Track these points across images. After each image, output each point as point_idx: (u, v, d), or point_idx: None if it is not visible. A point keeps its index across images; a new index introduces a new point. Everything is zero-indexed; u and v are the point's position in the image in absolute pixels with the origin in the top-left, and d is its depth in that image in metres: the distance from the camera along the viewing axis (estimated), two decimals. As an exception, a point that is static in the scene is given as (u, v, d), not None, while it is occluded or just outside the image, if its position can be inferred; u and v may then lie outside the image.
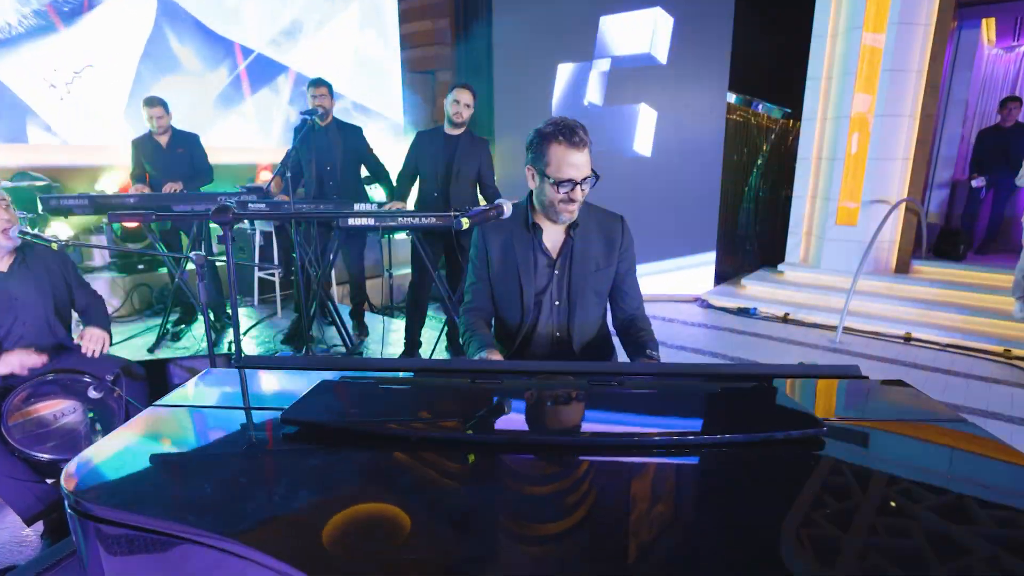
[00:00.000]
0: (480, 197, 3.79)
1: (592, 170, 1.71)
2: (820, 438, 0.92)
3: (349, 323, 4.42)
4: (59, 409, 2.34)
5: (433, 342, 3.72)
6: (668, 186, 5.97)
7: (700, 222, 6.16)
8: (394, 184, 3.87)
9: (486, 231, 1.85)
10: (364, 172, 4.32)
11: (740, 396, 1.08)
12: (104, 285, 4.76)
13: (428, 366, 1.34)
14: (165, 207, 4.01)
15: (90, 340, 2.32)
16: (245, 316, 4.92)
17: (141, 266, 4.97)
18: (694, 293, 6.25)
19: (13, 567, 1.95)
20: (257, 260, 5.11)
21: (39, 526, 2.05)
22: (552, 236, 1.84)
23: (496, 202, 1.60)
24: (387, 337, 4.18)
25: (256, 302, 5.26)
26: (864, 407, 1.10)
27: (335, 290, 5.32)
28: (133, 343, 4.18)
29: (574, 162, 1.65)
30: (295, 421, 0.97)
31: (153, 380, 2.72)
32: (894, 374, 4.32)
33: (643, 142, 5.98)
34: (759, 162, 7.79)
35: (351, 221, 3.11)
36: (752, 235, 7.93)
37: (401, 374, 1.33)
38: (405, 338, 3.76)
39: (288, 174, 3.57)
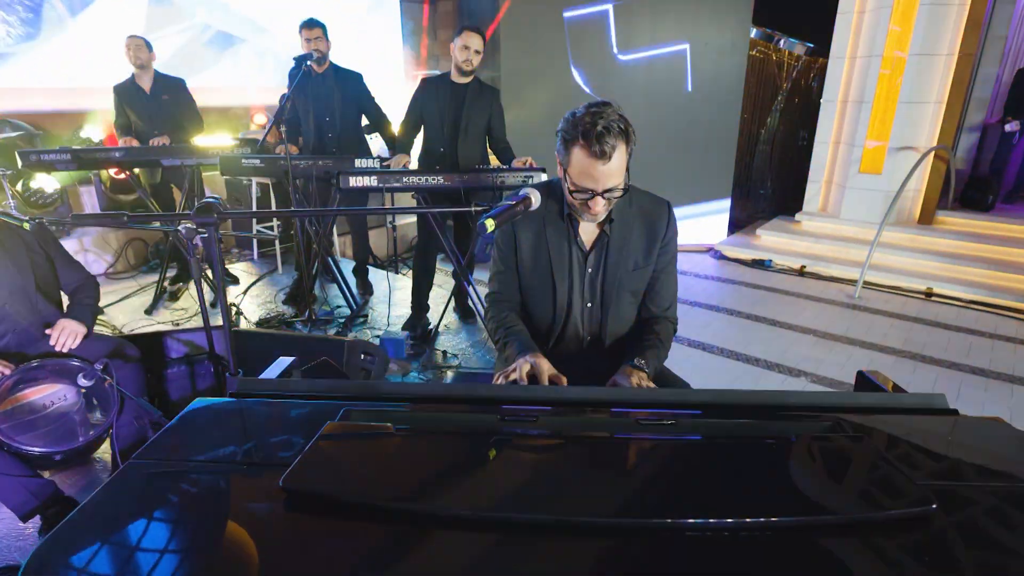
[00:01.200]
0: (490, 152, 3.53)
1: (625, 178, 1.46)
2: (928, 515, 0.77)
3: (352, 280, 4.26)
4: (50, 394, 2.21)
5: (442, 305, 3.56)
6: (685, 127, 5.61)
7: (716, 166, 5.83)
8: (396, 135, 3.59)
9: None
10: (364, 121, 4.04)
11: (816, 448, 0.92)
12: (93, 240, 4.57)
13: (448, 394, 1.18)
14: (152, 161, 3.76)
15: (61, 332, 2.12)
16: (244, 272, 4.75)
17: (133, 219, 4.74)
18: (707, 243, 6.04)
19: (16, 566, 1.88)
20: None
21: (37, 520, 1.97)
22: (588, 228, 1.60)
23: (522, 193, 1.38)
24: (393, 296, 4.03)
25: (256, 256, 5.08)
26: (963, 463, 0.94)
27: (336, 241, 5.13)
28: (130, 303, 4.04)
29: (594, 173, 1.39)
30: (298, 491, 0.82)
31: (149, 355, 2.58)
32: (915, 333, 4.20)
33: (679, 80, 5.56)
34: (778, 101, 7.38)
35: (352, 183, 2.88)
36: (768, 180, 7.63)
37: (416, 396, 1.18)
38: (412, 301, 3.61)
39: (283, 127, 3.31)
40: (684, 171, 5.68)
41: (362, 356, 2.83)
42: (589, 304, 1.66)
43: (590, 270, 1.63)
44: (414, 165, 3.42)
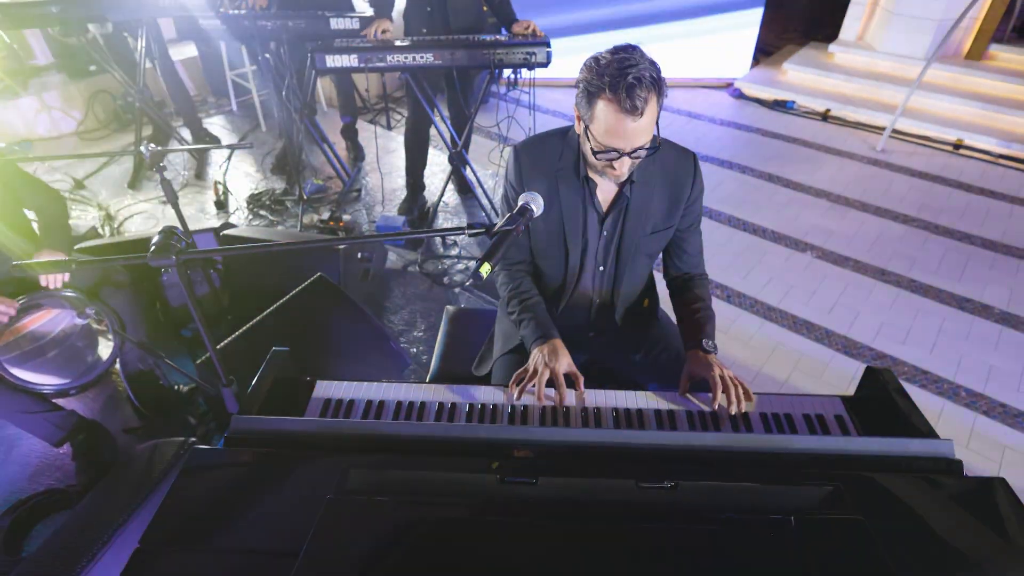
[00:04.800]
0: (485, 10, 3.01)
1: (655, 136, 1.26)
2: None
3: (343, 144, 3.99)
4: (51, 319, 2.20)
5: (439, 187, 3.37)
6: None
7: None
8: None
9: (525, 165, 1.45)
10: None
11: (812, 535, 0.93)
12: (56, 95, 4.17)
13: (455, 436, 1.16)
14: (96, 14, 3.25)
15: None
16: (223, 128, 4.41)
17: (93, 67, 4.27)
18: (727, 76, 5.49)
19: (55, 489, 2.04)
20: (226, 56, 4.36)
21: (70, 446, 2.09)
22: (606, 187, 1.44)
23: (522, 202, 1.18)
24: (386, 160, 3.80)
25: (235, 106, 4.67)
26: (955, 550, 0.95)
27: (320, 88, 4.67)
28: (110, 175, 3.82)
29: (623, 131, 1.20)
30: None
31: (139, 272, 2.50)
32: (934, 195, 4.03)
33: None
34: None
35: (330, 63, 2.51)
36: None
37: (420, 442, 1.15)
38: (407, 180, 3.38)
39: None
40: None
41: (359, 256, 2.77)
42: (601, 267, 1.56)
43: (605, 233, 1.50)
44: (398, 30, 2.95)
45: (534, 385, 1.33)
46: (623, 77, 1.16)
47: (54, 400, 2.07)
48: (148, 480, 1.71)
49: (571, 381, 1.38)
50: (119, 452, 2.17)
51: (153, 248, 1.04)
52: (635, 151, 1.25)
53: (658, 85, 1.20)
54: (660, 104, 1.23)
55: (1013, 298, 3.11)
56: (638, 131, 1.22)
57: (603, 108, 1.21)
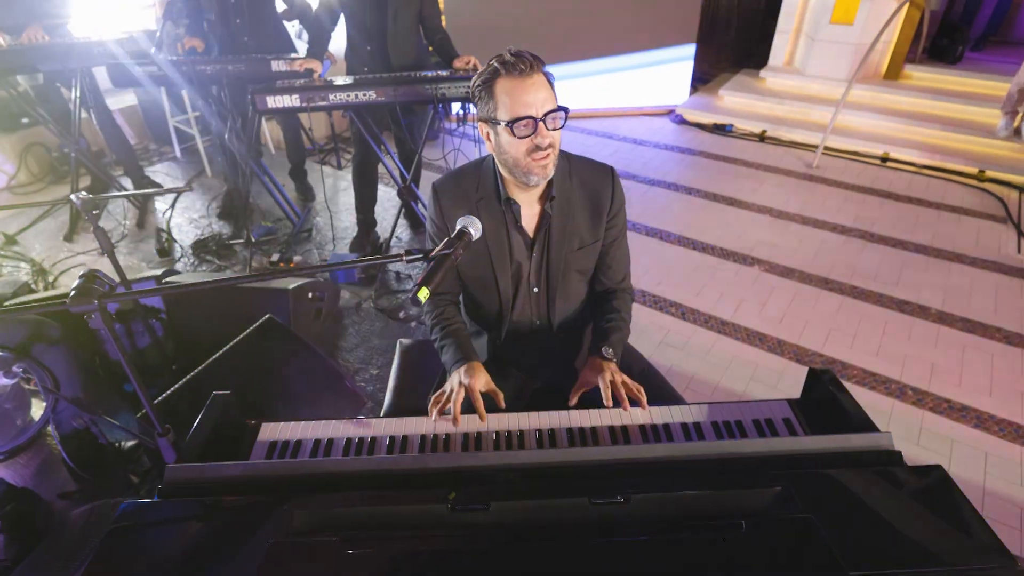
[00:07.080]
0: (426, 44, 3.07)
1: (564, 108, 1.30)
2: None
3: (291, 184, 3.95)
4: (-26, 380, 2.07)
5: (391, 224, 3.35)
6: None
7: (681, 4, 5.25)
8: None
9: (444, 202, 1.46)
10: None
11: (763, 537, 0.93)
12: (-13, 150, 4.02)
13: (397, 469, 1.13)
14: (25, 65, 3.16)
15: None
16: (167, 175, 4.32)
17: (26, 120, 4.14)
18: (668, 104, 5.71)
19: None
20: (168, 107, 4.30)
21: None
22: (529, 211, 1.47)
23: (460, 226, 1.19)
24: (336, 199, 3.77)
25: (178, 153, 4.58)
26: (898, 540, 0.96)
27: (267, 129, 4.64)
28: (45, 228, 3.67)
29: (527, 98, 1.25)
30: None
31: (75, 324, 2.39)
32: (867, 206, 4.22)
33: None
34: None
35: (271, 104, 2.50)
36: (734, 20, 7.04)
37: (362, 477, 1.12)
38: (358, 218, 3.36)
39: (183, 24, 2.79)
40: (647, 10, 5.10)
41: (309, 296, 2.71)
42: (536, 289, 1.57)
43: (535, 255, 1.51)
44: (339, 70, 2.97)
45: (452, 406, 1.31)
46: (504, 55, 1.27)
47: (-19, 467, 1.93)
48: (83, 547, 1.60)
49: (492, 401, 1.36)
50: (54, 519, 2.03)
51: (73, 293, 0.99)
52: (548, 115, 1.27)
53: (540, 61, 1.28)
54: (551, 81, 1.30)
55: (947, 298, 3.26)
56: (538, 89, 1.26)
57: (501, 86, 1.27)
